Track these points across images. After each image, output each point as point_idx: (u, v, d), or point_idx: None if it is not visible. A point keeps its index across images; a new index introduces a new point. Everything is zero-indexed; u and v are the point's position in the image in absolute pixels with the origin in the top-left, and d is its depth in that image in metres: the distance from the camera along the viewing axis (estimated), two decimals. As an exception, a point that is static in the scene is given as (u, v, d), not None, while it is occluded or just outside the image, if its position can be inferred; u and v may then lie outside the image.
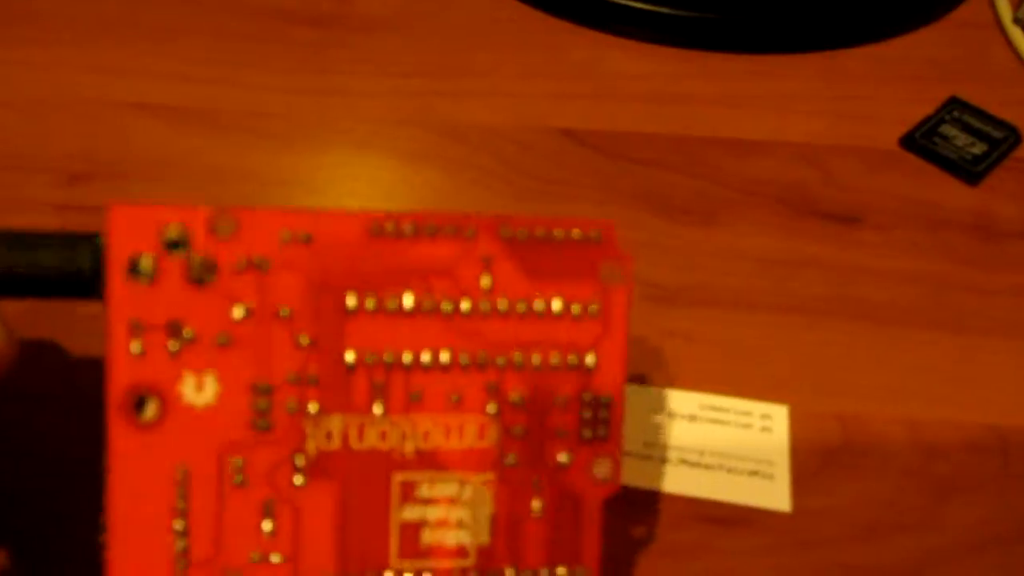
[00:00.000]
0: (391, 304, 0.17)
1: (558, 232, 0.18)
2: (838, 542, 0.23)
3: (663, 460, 0.25)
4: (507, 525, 0.18)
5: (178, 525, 0.17)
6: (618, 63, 0.36)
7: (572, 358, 0.18)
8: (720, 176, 0.32)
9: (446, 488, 0.18)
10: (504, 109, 0.34)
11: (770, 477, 0.25)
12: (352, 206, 0.31)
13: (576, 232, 0.18)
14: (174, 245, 0.16)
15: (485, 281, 0.17)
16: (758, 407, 0.26)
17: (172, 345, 0.16)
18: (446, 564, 0.18)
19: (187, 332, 0.16)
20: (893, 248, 0.30)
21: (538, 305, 0.18)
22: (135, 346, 0.16)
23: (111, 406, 0.16)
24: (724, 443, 0.25)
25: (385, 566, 0.17)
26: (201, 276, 0.16)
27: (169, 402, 0.17)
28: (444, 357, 0.17)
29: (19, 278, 0.17)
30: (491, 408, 0.18)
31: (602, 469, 0.18)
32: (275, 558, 0.17)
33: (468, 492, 0.18)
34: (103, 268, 0.16)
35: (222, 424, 0.17)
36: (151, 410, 0.16)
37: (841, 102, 0.35)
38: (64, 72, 0.35)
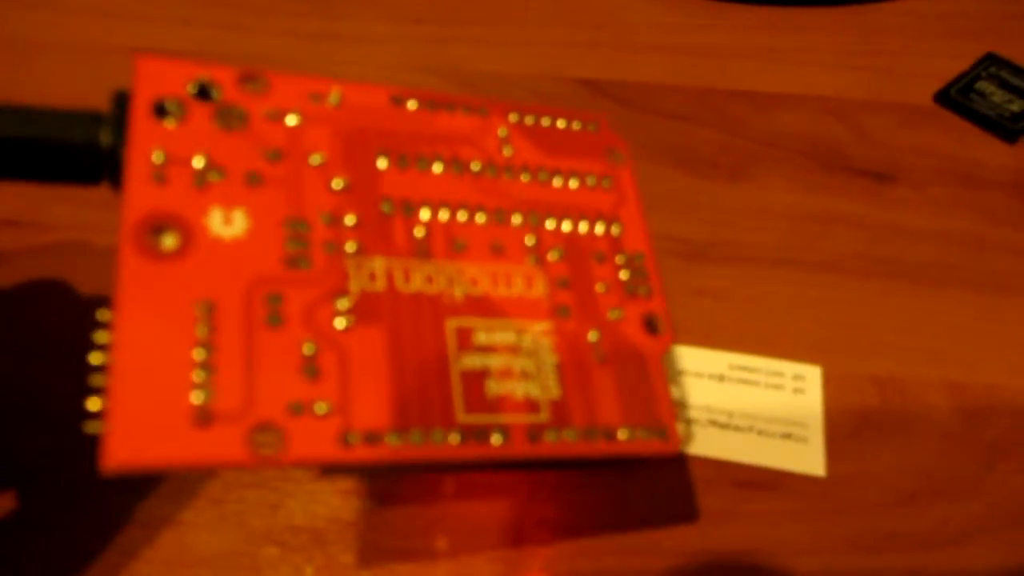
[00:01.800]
0: (421, 164, 0.17)
1: (561, 122, 0.19)
2: (876, 508, 0.22)
3: (691, 421, 0.24)
4: (575, 379, 0.17)
5: (198, 372, 0.14)
6: (640, 12, 0.34)
7: (599, 226, 0.18)
8: (747, 130, 0.31)
9: (504, 336, 0.16)
10: (520, 57, 0.33)
11: (804, 440, 0.23)
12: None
13: (576, 123, 0.19)
14: (203, 94, 0.15)
15: (507, 151, 0.18)
16: (790, 367, 0.25)
17: (198, 179, 0.15)
18: (518, 419, 0.16)
19: (215, 168, 0.15)
20: (928, 206, 0.29)
21: (558, 177, 0.18)
22: (156, 175, 0.14)
23: (123, 233, 0.14)
24: (755, 404, 0.24)
25: (452, 422, 0.15)
26: (230, 122, 0.15)
27: (193, 234, 0.14)
28: (480, 214, 0.17)
29: (30, 152, 0.15)
30: (533, 260, 0.17)
31: (653, 324, 0.18)
32: (319, 408, 0.14)
33: (527, 341, 0.16)
34: (124, 139, 0.15)
35: (253, 257, 0.15)
36: (170, 240, 0.14)
37: (873, 56, 0.33)
38: (60, 15, 0.33)
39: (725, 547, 0.22)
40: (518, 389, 0.16)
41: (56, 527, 0.21)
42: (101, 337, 0.14)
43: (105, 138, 0.15)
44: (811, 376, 0.25)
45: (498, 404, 0.16)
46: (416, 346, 0.16)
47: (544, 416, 0.16)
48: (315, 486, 0.22)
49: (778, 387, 0.25)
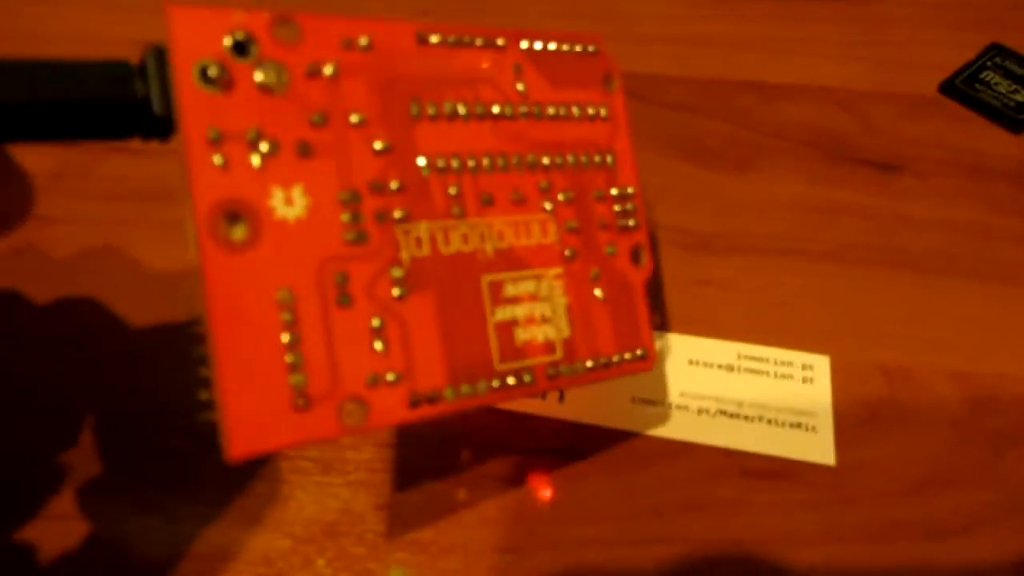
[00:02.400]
0: (447, 109, 0.17)
1: (565, 45, 0.19)
2: (885, 497, 0.22)
3: (700, 411, 0.24)
4: (580, 316, 0.19)
5: (289, 357, 0.15)
6: (645, 4, 0.34)
7: (597, 157, 0.19)
8: (753, 121, 0.31)
9: (526, 285, 0.18)
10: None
11: (813, 429, 0.24)
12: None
13: (578, 46, 0.19)
14: (240, 49, 0.15)
15: (520, 86, 0.18)
16: (799, 357, 0.25)
17: (255, 158, 0.15)
18: (540, 360, 0.18)
19: (268, 142, 0.15)
20: (933, 196, 0.29)
21: (564, 109, 0.19)
22: (217, 158, 0.14)
23: (200, 228, 0.14)
24: (764, 394, 0.24)
25: (492, 372, 0.17)
26: (273, 85, 0.15)
27: (261, 219, 0.15)
28: (500, 160, 0.18)
29: (63, 111, 0.14)
30: (547, 205, 0.18)
31: (638, 254, 0.20)
32: (390, 377, 0.16)
33: (544, 288, 0.18)
34: (161, 90, 0.14)
35: (318, 238, 0.15)
36: (240, 231, 0.15)
37: (877, 47, 0.33)
38: (63, 8, 0.33)
39: (734, 536, 0.22)
40: (539, 334, 0.18)
41: (71, 518, 0.21)
42: (197, 330, 0.14)
43: (140, 91, 0.14)
44: (820, 365, 0.25)
45: (524, 350, 0.18)
46: (458, 305, 0.17)
47: (559, 354, 0.18)
48: (325, 478, 0.22)
49: (787, 377, 0.25)
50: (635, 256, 0.20)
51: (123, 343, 0.24)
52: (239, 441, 0.14)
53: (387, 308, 0.16)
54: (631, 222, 0.20)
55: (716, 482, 0.23)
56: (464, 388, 0.17)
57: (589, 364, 0.18)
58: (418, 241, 0.16)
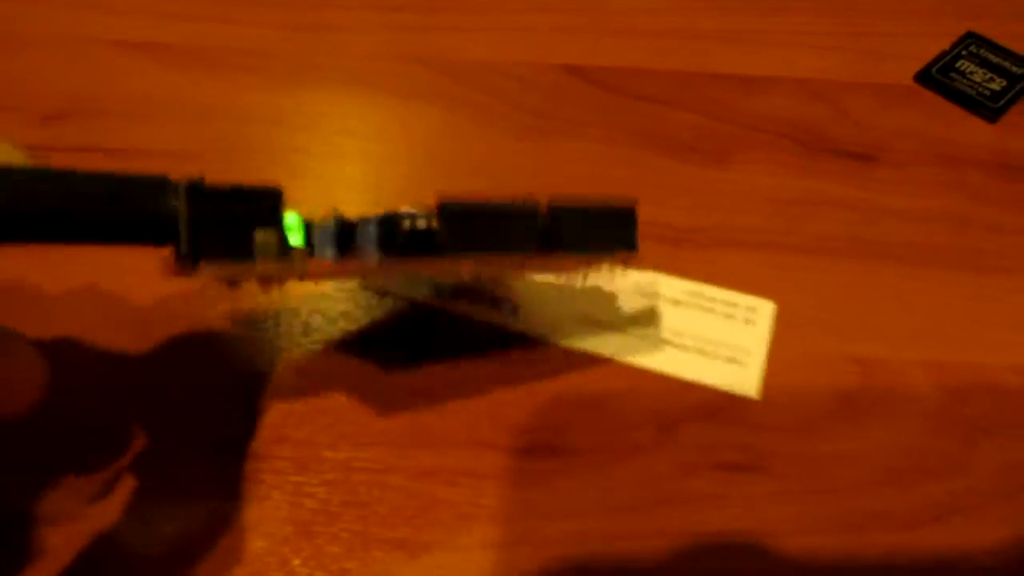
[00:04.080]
0: None
1: None
2: (859, 488, 0.22)
3: (643, 337, 0.25)
4: None
5: None
6: (621, -3, 0.34)
7: None
8: (729, 114, 0.31)
9: None
10: (505, 45, 0.33)
11: (744, 365, 0.24)
12: (343, 145, 0.29)
13: None
14: None
15: None
16: (745, 300, 0.26)
17: None
18: None
19: None
20: (911, 186, 0.29)
21: None
22: None
23: None
24: (706, 329, 0.25)
25: None
26: None
27: None
28: None
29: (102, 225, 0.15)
30: None
31: None
32: None
33: None
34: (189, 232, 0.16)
35: None
36: None
37: (852, 37, 0.33)
38: (42, 8, 0.33)
39: (712, 529, 0.22)
40: None
41: (46, 521, 0.21)
42: None
43: (173, 205, 0.16)
44: (763, 309, 0.26)
45: None
46: None
47: None
48: (301, 477, 0.22)
49: (730, 316, 0.26)
50: None
51: (82, 351, 0.24)
52: None
53: None
54: None
55: (690, 476, 0.23)
56: None
57: None
58: None
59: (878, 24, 0.34)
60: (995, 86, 0.31)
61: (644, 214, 0.27)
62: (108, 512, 0.21)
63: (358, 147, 0.29)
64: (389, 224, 0.17)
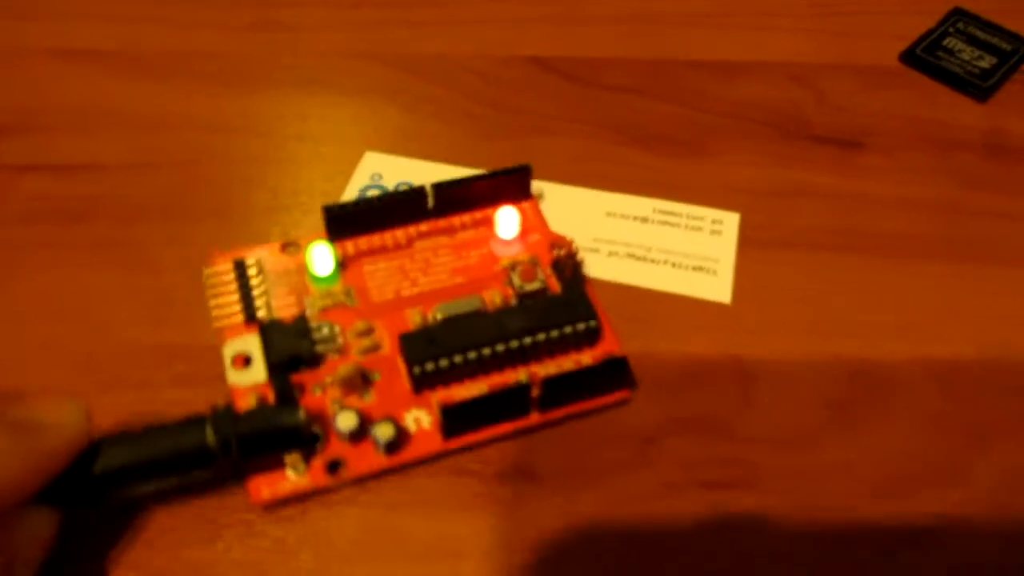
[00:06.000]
0: None
1: None
2: (854, 499, 0.21)
3: (611, 254, 0.25)
4: None
5: None
6: (587, -18, 0.33)
7: None
8: (703, 102, 0.29)
9: None
10: (466, 37, 0.31)
11: (713, 272, 0.25)
12: (302, 149, 0.28)
13: None
14: None
15: None
16: (710, 213, 0.26)
17: None
18: None
19: None
20: (899, 173, 0.27)
21: None
22: None
23: None
24: (673, 242, 0.25)
25: None
26: None
27: None
28: None
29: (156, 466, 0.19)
30: None
31: None
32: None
33: None
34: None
35: None
36: None
37: (830, 18, 0.32)
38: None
39: (702, 549, 0.20)
40: None
41: None
42: None
43: (211, 440, 0.19)
44: (729, 221, 0.26)
45: None
46: None
47: None
48: (252, 515, 0.20)
49: (697, 229, 0.26)
50: None
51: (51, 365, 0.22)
52: None
53: None
54: None
55: (675, 491, 0.21)
56: None
57: None
58: None
59: (857, 2, 0.32)
60: (984, 64, 0.29)
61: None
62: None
63: (316, 152, 0.28)
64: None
